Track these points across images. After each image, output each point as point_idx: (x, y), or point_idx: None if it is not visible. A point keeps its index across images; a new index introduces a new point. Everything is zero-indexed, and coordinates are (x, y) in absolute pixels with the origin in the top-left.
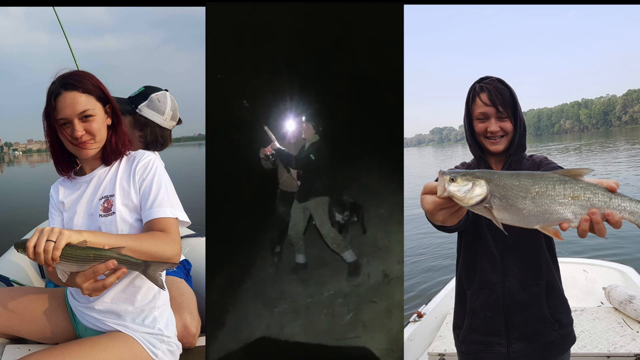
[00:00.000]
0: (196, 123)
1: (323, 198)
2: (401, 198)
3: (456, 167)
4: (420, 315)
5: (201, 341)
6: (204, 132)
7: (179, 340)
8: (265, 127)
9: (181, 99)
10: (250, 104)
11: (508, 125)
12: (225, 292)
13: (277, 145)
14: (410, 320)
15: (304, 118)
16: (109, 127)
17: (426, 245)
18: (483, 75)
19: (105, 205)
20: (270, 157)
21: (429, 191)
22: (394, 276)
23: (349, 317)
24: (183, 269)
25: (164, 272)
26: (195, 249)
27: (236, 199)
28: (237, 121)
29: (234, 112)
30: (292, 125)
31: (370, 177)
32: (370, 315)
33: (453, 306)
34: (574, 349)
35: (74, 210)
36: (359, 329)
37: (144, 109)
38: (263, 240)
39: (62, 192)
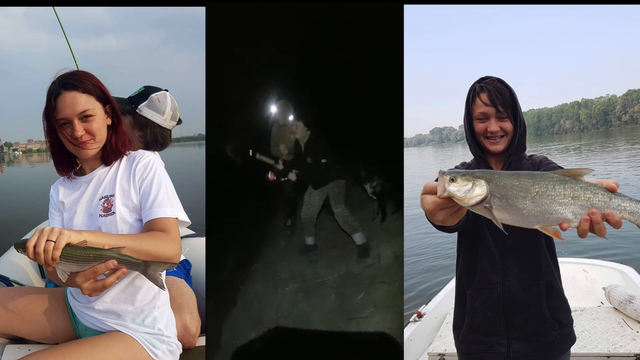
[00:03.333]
0: (196, 123)
1: (340, 181)
2: (401, 198)
3: (456, 167)
4: (420, 315)
5: (201, 341)
6: (204, 132)
7: (179, 340)
8: (258, 155)
9: (181, 99)
10: (252, 104)
11: (508, 125)
12: (236, 272)
13: (279, 166)
14: (410, 320)
15: (290, 118)
16: (109, 127)
17: (426, 245)
18: (483, 75)
19: (105, 205)
20: (275, 180)
21: (429, 191)
22: (402, 259)
23: (359, 297)
24: (183, 269)
25: (164, 272)
26: (195, 249)
27: (242, 182)
28: (236, 121)
29: (234, 112)
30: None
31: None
32: (381, 296)
33: (453, 306)
34: (574, 349)
35: (74, 210)
36: (370, 309)
37: (144, 109)
38: (271, 223)
39: (62, 192)
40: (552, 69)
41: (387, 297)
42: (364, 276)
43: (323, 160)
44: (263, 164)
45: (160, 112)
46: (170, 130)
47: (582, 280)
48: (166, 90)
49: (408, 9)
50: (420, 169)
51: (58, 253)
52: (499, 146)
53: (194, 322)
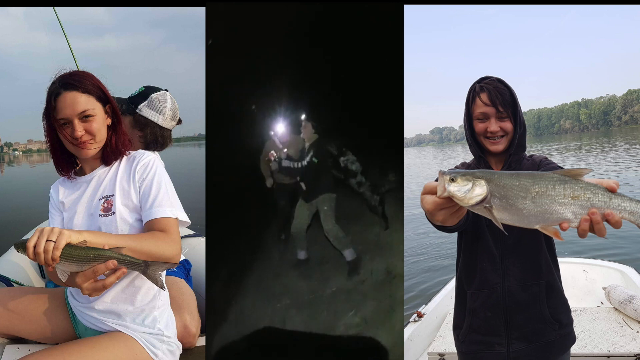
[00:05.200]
0: (196, 123)
1: (330, 195)
2: (401, 197)
3: (456, 167)
4: (420, 315)
5: (201, 341)
6: (204, 132)
7: (179, 340)
8: (272, 133)
9: (181, 99)
10: (252, 104)
11: (508, 125)
12: (228, 286)
13: (283, 153)
14: (410, 320)
15: (303, 117)
16: (109, 127)
17: (426, 245)
18: (483, 75)
19: (105, 205)
20: (274, 160)
21: (429, 191)
22: (397, 274)
23: (351, 313)
24: (183, 269)
25: (164, 272)
26: (195, 249)
27: (239, 194)
28: (237, 120)
29: (234, 112)
30: (290, 126)
31: (371, 176)
32: (373, 312)
33: (453, 306)
34: (574, 349)
35: (74, 210)
36: (361, 326)
37: (144, 109)
38: (265, 236)
39: (62, 192)
40: (552, 69)
41: (379, 314)
42: (355, 292)
43: (316, 160)
44: (261, 168)
45: (160, 112)
46: (170, 130)
47: (582, 280)
48: (166, 90)
49: (408, 9)
50: (420, 169)
51: (58, 253)
52: (499, 146)
53: (194, 322)
